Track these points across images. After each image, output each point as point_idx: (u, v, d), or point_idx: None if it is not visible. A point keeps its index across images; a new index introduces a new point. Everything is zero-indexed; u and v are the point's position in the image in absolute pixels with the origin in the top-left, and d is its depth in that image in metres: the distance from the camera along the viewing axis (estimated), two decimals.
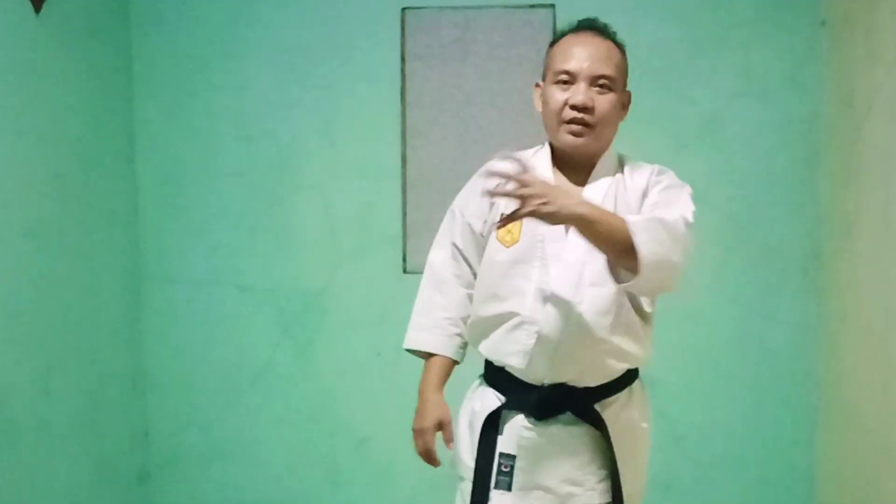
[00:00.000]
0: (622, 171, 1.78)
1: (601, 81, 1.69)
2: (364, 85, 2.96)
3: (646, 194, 1.74)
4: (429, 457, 1.80)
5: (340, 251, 3.01)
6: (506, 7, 2.91)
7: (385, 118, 2.96)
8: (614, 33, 1.76)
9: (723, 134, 2.88)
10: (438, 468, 1.86)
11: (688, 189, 1.77)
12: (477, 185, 1.79)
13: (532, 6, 2.91)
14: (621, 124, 2.89)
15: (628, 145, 2.89)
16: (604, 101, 1.69)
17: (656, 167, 1.81)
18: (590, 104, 1.67)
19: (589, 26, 1.75)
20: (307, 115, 2.99)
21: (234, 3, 2.99)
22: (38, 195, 2.48)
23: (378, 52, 2.95)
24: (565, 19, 2.85)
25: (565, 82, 1.69)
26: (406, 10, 2.95)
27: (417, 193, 2.95)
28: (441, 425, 1.78)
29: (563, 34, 1.76)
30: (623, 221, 1.56)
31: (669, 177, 1.79)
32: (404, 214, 2.97)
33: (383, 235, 2.98)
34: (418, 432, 1.80)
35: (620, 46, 1.75)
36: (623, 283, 1.62)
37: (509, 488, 1.70)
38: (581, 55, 1.68)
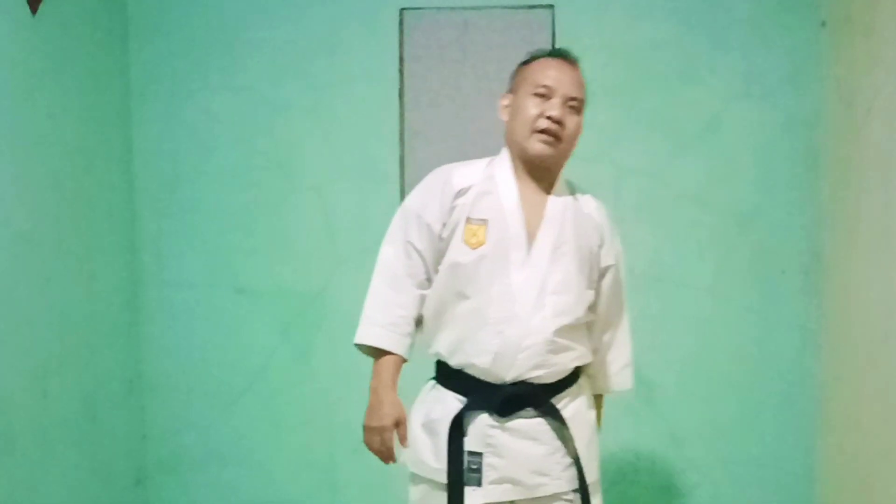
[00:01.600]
0: (574, 194, 1.94)
1: (572, 103, 1.84)
2: (362, 86, 2.95)
3: (602, 243, 1.91)
4: (387, 454, 1.84)
5: (339, 253, 3.00)
6: (504, 8, 2.91)
7: (383, 119, 2.95)
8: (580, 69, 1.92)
9: (723, 135, 2.87)
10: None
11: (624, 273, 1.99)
12: (433, 188, 1.88)
13: (531, 7, 2.90)
14: (619, 125, 2.94)
15: (629, 146, 2.91)
16: (573, 121, 1.85)
17: (601, 205, 1.97)
18: (563, 119, 1.82)
19: (564, 55, 1.91)
20: (305, 117, 2.98)
21: (231, 4, 2.98)
22: (34, 197, 2.47)
23: (376, 53, 2.94)
24: (564, 20, 2.89)
25: (542, 95, 1.82)
26: (404, 11, 2.94)
27: None
28: (398, 423, 1.82)
29: (539, 56, 1.91)
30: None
31: (618, 245, 1.97)
32: None
33: (382, 237, 2.95)
34: (376, 430, 1.82)
35: (584, 81, 1.91)
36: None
37: (479, 484, 1.78)
38: (559, 76, 1.84)
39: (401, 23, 2.94)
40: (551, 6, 2.89)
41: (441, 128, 2.94)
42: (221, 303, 3.04)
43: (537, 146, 1.82)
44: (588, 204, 1.93)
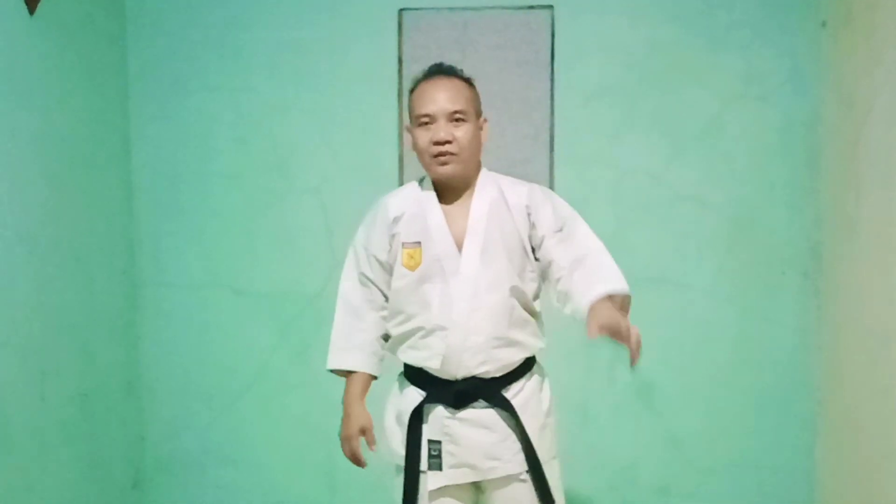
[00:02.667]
0: (500, 190, 2.02)
1: (456, 116, 1.96)
2: (361, 86, 2.95)
3: (531, 213, 1.99)
4: (355, 459, 2.11)
5: (337, 254, 2.98)
6: (504, 8, 2.90)
7: (382, 120, 2.95)
8: (461, 71, 2.03)
9: (723, 135, 2.87)
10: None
11: (569, 208, 2.04)
12: (374, 221, 2.07)
13: (530, 7, 2.90)
14: (619, 125, 2.92)
15: (629, 146, 2.91)
16: (462, 132, 1.96)
17: (534, 186, 2.05)
18: (450, 138, 1.94)
19: (438, 71, 2.02)
20: (304, 117, 2.98)
21: (230, 4, 2.98)
22: (32, 198, 2.47)
23: (375, 54, 2.94)
24: (564, 20, 2.88)
25: (427, 124, 1.96)
26: (403, 11, 2.94)
27: None
28: (363, 431, 2.09)
29: (418, 82, 2.03)
30: (619, 296, 1.88)
31: (552, 197, 2.04)
32: None
33: None
34: (345, 439, 2.10)
35: (468, 81, 2.03)
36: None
37: (441, 468, 1.98)
38: (436, 98, 1.96)
39: (400, 23, 2.94)
40: (551, 6, 2.89)
41: None
42: (220, 303, 3.03)
43: (439, 170, 1.97)
44: (515, 192, 2.02)
